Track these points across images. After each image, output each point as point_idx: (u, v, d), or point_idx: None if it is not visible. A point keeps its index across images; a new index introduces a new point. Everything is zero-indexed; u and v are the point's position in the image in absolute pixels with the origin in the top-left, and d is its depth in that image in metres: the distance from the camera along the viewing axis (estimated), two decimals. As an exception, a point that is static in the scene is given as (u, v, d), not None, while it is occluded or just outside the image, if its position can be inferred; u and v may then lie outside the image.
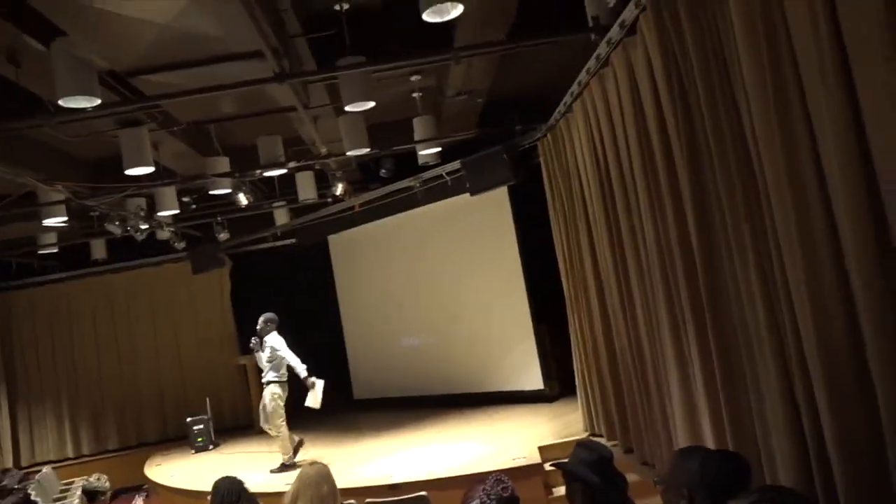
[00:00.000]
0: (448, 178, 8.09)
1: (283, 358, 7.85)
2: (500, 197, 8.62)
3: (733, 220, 3.04)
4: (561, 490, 6.00)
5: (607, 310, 5.59)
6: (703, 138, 3.23)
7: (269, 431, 7.96)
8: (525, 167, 7.46)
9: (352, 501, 4.26)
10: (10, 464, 10.73)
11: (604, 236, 5.33)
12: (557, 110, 6.20)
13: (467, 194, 7.95)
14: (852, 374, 2.33)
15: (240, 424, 10.92)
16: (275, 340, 7.96)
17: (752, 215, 2.87)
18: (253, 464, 8.29)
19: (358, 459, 7.78)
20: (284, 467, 7.64)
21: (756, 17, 2.55)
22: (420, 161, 7.84)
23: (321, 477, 3.92)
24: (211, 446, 9.93)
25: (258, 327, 8.11)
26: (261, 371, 8.13)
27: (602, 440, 5.98)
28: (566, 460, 2.84)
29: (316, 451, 8.24)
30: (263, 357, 8.01)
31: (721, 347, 3.43)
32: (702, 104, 3.13)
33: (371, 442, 8.59)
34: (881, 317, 2.18)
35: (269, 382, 7.91)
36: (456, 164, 7.87)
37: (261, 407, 8.03)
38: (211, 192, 7.59)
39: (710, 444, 3.68)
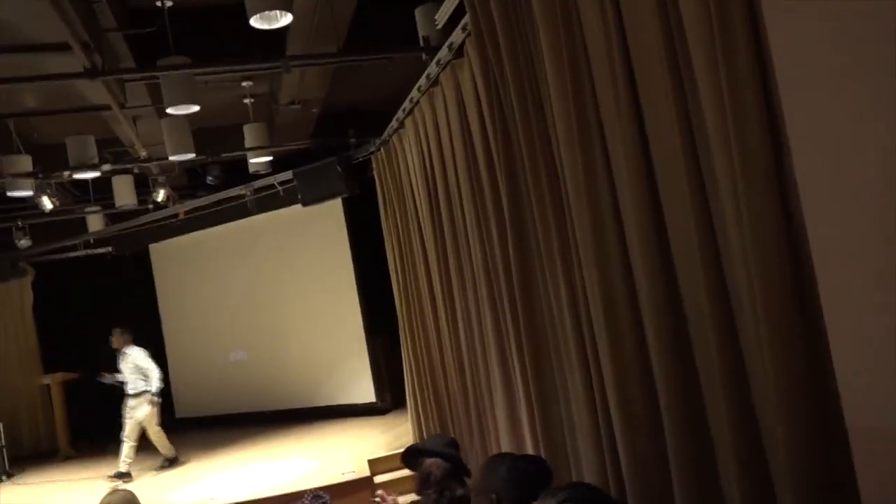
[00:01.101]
0: (280, 188, 7.90)
1: (147, 368, 7.82)
2: (334, 209, 8.55)
3: (545, 237, 3.24)
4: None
5: (438, 324, 5.72)
6: (519, 158, 3.42)
7: (126, 441, 7.73)
8: (359, 180, 7.47)
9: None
10: None
11: (433, 253, 5.45)
12: (390, 125, 6.28)
13: (300, 205, 7.80)
14: (640, 385, 2.57)
15: (41, 451, 9.85)
16: (135, 352, 7.87)
17: (560, 233, 3.07)
18: (55, 495, 7.53)
19: (176, 482, 7.33)
20: (170, 462, 7.96)
21: (563, 58, 2.75)
22: (251, 169, 7.60)
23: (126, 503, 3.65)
24: (4, 477, 8.86)
25: (113, 342, 7.90)
26: (122, 384, 7.86)
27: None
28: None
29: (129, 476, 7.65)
30: (126, 370, 7.81)
31: (535, 359, 3.62)
32: (518, 127, 3.31)
33: (192, 463, 8.12)
34: (665, 332, 2.42)
35: (140, 393, 7.77)
36: (288, 174, 7.70)
37: (127, 417, 7.77)
38: (9, 194, 6.84)
39: (529, 451, 3.87)
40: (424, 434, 6.63)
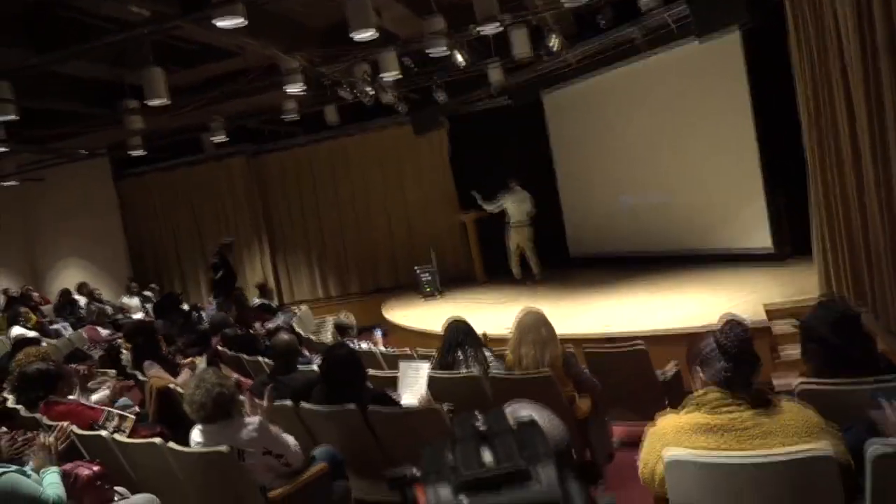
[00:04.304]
0: (672, 24, 7.44)
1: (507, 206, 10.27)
2: (731, 42, 7.81)
3: None
4: (789, 352, 5.78)
5: (860, 165, 4.99)
6: None
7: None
8: (763, 5, 6.61)
9: (570, 347, 4.48)
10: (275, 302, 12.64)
11: (860, 83, 4.65)
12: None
13: (693, 40, 7.28)
14: None
15: (461, 275, 11.68)
16: (515, 192, 10.27)
17: None
18: (475, 310, 8.91)
19: (574, 312, 8.04)
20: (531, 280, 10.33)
21: None
22: (641, 6, 7.27)
23: (539, 321, 4.16)
24: (437, 294, 10.82)
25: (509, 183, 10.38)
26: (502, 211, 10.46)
27: (842, 304, 5.54)
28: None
29: (534, 303, 8.59)
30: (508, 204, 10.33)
31: None
32: None
33: (587, 296, 8.77)
34: None
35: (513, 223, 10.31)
36: (681, 7, 7.18)
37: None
38: (429, 54, 7.76)
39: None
40: (834, 288, 6.05)
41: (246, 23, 5.30)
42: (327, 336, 8.77)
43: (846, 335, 2.51)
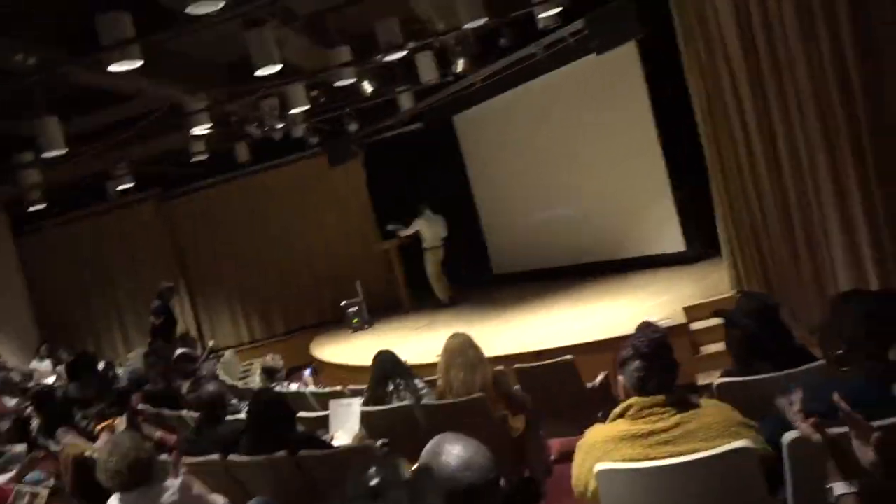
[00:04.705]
0: (571, 40, 7.67)
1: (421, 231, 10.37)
2: (629, 54, 8.11)
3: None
4: (709, 348, 5.98)
5: (755, 163, 5.26)
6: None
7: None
8: (656, 18, 6.91)
9: (500, 367, 4.48)
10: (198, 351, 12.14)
11: (745, 85, 4.92)
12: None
13: (594, 55, 7.52)
14: None
15: (388, 304, 11.54)
16: (424, 217, 10.41)
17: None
18: (405, 339, 8.84)
19: (500, 330, 8.07)
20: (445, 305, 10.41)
21: None
22: (540, 25, 7.46)
23: (465, 344, 4.15)
24: (366, 326, 10.65)
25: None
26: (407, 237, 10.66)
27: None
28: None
29: (459, 325, 8.62)
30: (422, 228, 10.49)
31: (884, 180, 3.16)
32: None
33: (512, 313, 8.83)
34: None
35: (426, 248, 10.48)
36: (580, 24, 7.40)
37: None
38: (337, 84, 7.71)
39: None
40: (744, 282, 6.31)
41: (142, 62, 5.12)
42: (255, 381, 8.49)
43: (765, 324, 2.65)
